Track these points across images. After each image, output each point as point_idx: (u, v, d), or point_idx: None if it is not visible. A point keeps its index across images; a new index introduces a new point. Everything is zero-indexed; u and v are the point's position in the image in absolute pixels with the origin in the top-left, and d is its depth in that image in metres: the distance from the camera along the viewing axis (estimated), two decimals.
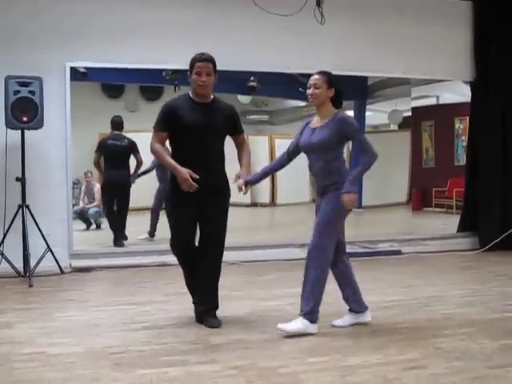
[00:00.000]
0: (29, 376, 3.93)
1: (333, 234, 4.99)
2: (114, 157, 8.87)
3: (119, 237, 8.86)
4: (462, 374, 3.88)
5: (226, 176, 5.30)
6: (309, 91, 5.07)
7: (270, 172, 5.63)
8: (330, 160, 4.96)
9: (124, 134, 9.01)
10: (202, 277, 5.24)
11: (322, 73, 5.11)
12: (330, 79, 5.07)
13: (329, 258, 4.97)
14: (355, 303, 5.19)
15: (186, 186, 4.96)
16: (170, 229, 5.26)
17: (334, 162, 4.98)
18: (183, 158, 5.05)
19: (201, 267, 5.23)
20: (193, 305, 5.34)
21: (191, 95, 5.21)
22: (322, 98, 5.03)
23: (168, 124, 5.10)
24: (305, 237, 9.10)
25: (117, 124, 8.90)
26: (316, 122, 5.12)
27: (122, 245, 8.78)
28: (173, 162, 5.04)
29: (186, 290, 5.48)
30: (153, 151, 5.15)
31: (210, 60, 5.17)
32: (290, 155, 5.33)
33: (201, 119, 5.09)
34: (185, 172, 4.95)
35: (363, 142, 4.99)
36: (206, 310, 5.23)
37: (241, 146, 5.44)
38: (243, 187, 5.20)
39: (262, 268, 8.05)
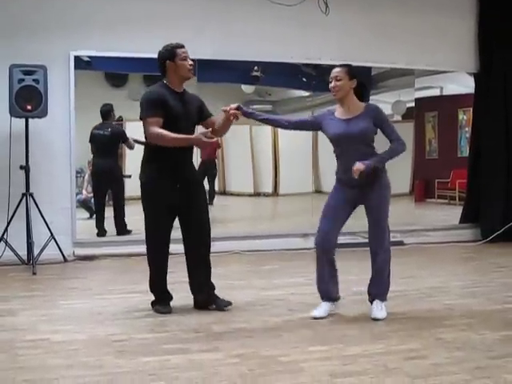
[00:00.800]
0: (32, 363, 3.96)
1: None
2: (100, 146, 8.85)
3: (120, 230, 8.85)
4: (463, 364, 3.90)
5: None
6: (331, 85, 5.06)
7: (269, 120, 5.63)
8: (369, 150, 5.05)
9: (125, 122, 9.03)
10: (197, 264, 5.37)
11: (342, 65, 5.15)
12: (351, 71, 5.10)
13: None
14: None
15: (207, 145, 5.15)
16: (149, 222, 5.29)
17: (373, 153, 5.06)
18: (169, 149, 5.09)
19: (194, 255, 5.36)
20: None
21: (169, 84, 5.27)
22: (345, 90, 5.04)
23: (160, 110, 5.11)
24: (307, 227, 9.17)
25: (103, 113, 8.89)
26: (342, 113, 5.11)
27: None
28: (179, 135, 5.06)
29: (187, 279, 5.50)
30: (154, 136, 5.08)
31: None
32: (299, 126, 5.44)
33: (182, 108, 5.21)
34: (199, 136, 5.06)
35: (395, 129, 5.10)
36: (209, 294, 5.37)
37: (214, 121, 5.48)
38: (234, 111, 5.18)
39: (264, 258, 8.08)
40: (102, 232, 8.75)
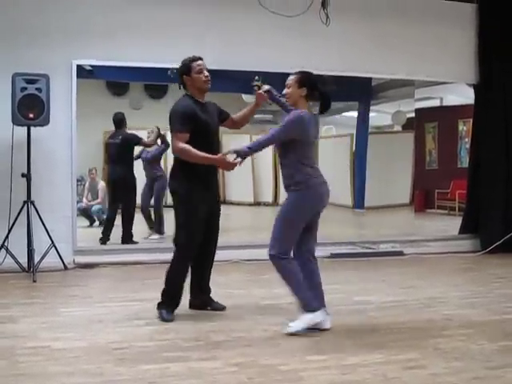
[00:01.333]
0: (33, 370, 3.97)
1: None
2: (112, 154, 8.91)
3: (125, 239, 8.87)
4: (461, 375, 3.91)
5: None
6: (283, 91, 5.18)
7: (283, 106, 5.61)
8: None
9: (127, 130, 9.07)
10: (206, 268, 5.66)
11: (296, 72, 5.19)
12: (301, 79, 5.10)
13: None
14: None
15: (229, 167, 5.23)
16: (185, 227, 5.36)
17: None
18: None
19: (204, 261, 5.62)
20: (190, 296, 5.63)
21: (193, 96, 5.44)
22: (293, 98, 5.10)
23: (189, 125, 5.26)
24: None
25: (116, 122, 8.93)
26: None
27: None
28: (205, 154, 5.19)
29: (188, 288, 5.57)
30: (179, 151, 5.26)
31: (202, 58, 5.55)
32: None
33: (210, 118, 5.41)
34: (223, 157, 5.18)
35: (278, 131, 5.04)
36: (208, 296, 5.69)
37: (238, 119, 5.85)
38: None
39: (264, 267, 7.97)
40: (105, 240, 8.77)
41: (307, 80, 5.12)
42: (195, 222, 5.33)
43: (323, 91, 5.13)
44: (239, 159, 5.00)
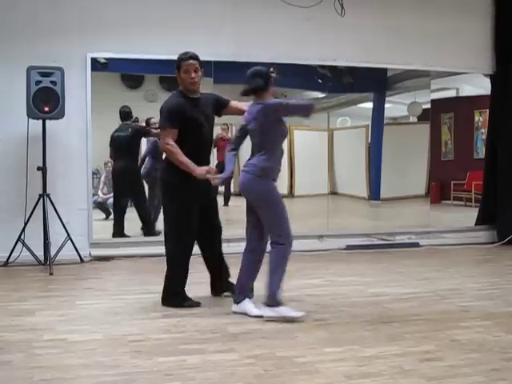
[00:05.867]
0: (49, 362, 3.98)
1: None
2: (119, 148, 8.87)
3: (147, 230, 8.85)
4: (478, 366, 3.89)
5: None
6: None
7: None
8: None
9: (141, 123, 9.05)
10: (218, 258, 5.82)
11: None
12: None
13: None
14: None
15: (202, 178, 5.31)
16: (178, 226, 5.47)
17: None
18: (189, 151, 5.35)
19: (214, 251, 5.78)
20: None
21: (184, 92, 5.51)
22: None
23: (177, 121, 5.34)
24: (323, 228, 9.16)
25: (123, 114, 8.90)
26: None
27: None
28: (188, 161, 5.30)
29: (203, 279, 5.64)
30: (165, 148, 5.39)
31: (195, 57, 5.50)
32: None
33: (199, 113, 5.44)
34: (202, 171, 5.29)
35: None
36: (227, 280, 5.83)
37: (236, 107, 5.81)
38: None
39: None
40: (120, 235, 8.75)
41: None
42: (190, 220, 5.48)
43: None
44: (218, 181, 5.35)
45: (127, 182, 8.91)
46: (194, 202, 5.46)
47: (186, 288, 5.55)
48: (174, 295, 5.52)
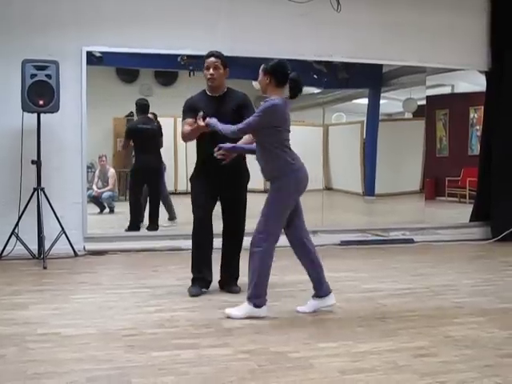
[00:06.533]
0: (43, 356, 3.97)
1: None
2: (145, 141, 8.81)
3: (151, 226, 8.84)
4: (472, 362, 3.90)
5: (242, 161, 5.79)
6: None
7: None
8: None
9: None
10: (229, 254, 5.87)
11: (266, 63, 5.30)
12: (264, 68, 5.22)
13: None
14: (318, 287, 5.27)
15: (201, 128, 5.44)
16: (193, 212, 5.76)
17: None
18: (202, 146, 5.70)
19: (227, 242, 5.85)
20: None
21: (206, 91, 5.79)
22: (262, 86, 5.24)
23: (189, 114, 5.64)
24: (317, 223, 9.16)
25: (143, 107, 8.85)
26: None
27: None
28: (187, 128, 5.66)
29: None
30: (181, 136, 5.84)
31: (217, 55, 5.73)
32: None
33: (213, 110, 5.53)
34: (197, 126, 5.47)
35: None
36: (229, 276, 5.88)
37: None
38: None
39: (275, 254, 8.04)
40: (136, 228, 8.76)
41: (270, 68, 5.17)
42: (195, 206, 5.75)
43: (292, 77, 5.14)
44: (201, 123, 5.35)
45: (153, 175, 8.88)
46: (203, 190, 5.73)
47: None
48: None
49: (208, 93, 5.78)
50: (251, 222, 5.44)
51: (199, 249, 5.73)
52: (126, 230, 8.70)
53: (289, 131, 5.16)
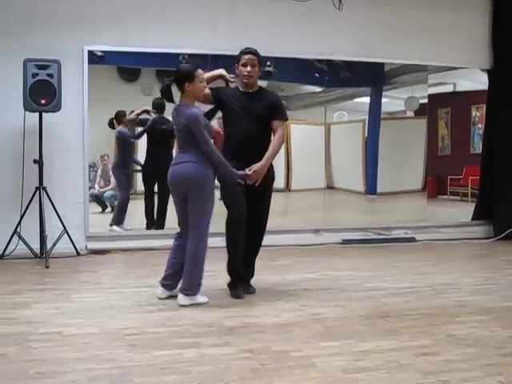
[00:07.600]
0: (45, 355, 3.98)
1: None
2: (160, 140, 8.80)
3: (157, 224, 8.83)
4: (474, 361, 3.90)
5: None
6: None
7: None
8: None
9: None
10: (247, 252, 5.77)
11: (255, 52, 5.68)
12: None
13: None
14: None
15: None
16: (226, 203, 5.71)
17: None
18: (230, 140, 5.68)
19: (249, 241, 5.75)
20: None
21: (239, 86, 5.77)
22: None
23: (217, 97, 5.70)
24: (319, 222, 9.15)
25: (160, 106, 8.81)
26: None
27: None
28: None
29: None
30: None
31: (255, 53, 5.69)
32: None
33: (240, 105, 5.61)
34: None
35: None
36: (248, 275, 5.85)
37: (274, 132, 5.74)
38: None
39: (277, 253, 8.07)
40: (160, 226, 8.79)
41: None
42: (233, 195, 5.66)
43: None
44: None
45: (163, 174, 8.87)
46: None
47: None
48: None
49: (241, 88, 5.73)
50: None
51: (239, 250, 5.64)
52: (147, 229, 8.77)
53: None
